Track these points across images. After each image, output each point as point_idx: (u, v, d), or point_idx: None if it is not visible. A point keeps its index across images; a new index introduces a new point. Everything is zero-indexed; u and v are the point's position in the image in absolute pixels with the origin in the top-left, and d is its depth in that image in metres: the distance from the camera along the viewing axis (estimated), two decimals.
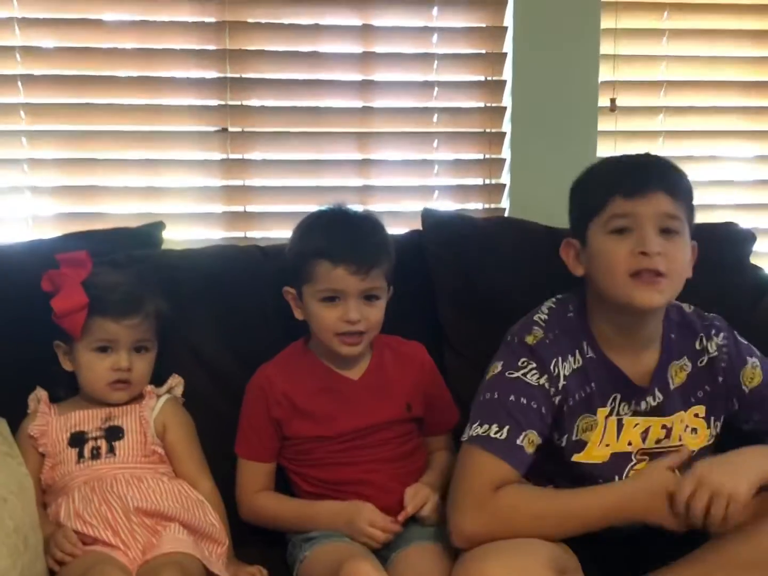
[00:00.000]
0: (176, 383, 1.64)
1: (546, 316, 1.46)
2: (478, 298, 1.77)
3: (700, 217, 2.00)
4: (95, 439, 1.52)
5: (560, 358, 1.41)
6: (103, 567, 1.31)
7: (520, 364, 1.41)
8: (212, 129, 2.10)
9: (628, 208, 1.37)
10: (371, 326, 1.57)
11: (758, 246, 2.00)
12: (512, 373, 1.40)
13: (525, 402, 1.38)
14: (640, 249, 1.35)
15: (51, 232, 1.92)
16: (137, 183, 2.08)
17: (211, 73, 2.08)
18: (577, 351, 1.43)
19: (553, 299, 1.50)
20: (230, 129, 2.10)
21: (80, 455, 1.51)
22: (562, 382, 1.41)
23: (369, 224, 1.61)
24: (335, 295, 1.54)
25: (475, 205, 2.20)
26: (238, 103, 2.09)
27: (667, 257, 1.35)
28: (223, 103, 2.08)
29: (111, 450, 1.52)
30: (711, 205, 2.31)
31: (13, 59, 1.99)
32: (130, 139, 2.07)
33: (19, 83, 2.00)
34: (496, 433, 1.36)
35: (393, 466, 1.59)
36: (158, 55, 2.05)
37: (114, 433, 1.53)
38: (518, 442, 1.36)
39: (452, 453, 1.62)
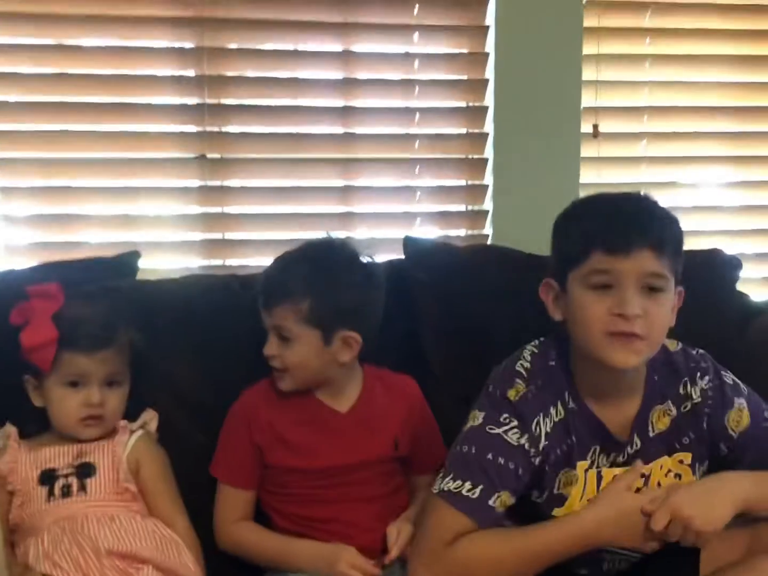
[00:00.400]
0: (150, 418, 1.59)
1: (528, 365, 1.39)
2: (461, 327, 1.74)
3: (688, 244, 2.01)
4: (66, 476, 1.47)
5: (542, 415, 1.35)
6: None
7: (501, 420, 1.34)
8: (190, 156, 2.07)
9: (609, 265, 1.28)
10: (287, 368, 1.54)
11: (744, 272, 1.98)
12: (493, 429, 1.34)
13: (503, 462, 1.32)
14: (618, 311, 1.27)
15: (24, 261, 1.88)
16: (113, 211, 2.04)
17: (190, 100, 2.05)
18: (559, 402, 1.37)
19: (535, 344, 1.43)
20: (209, 155, 2.07)
21: (50, 493, 1.45)
22: (543, 443, 1.35)
23: (288, 268, 1.57)
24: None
25: (457, 232, 2.18)
26: (217, 129, 2.07)
27: (647, 318, 1.28)
28: (201, 129, 2.05)
29: (82, 487, 1.46)
30: (695, 231, 2.29)
31: None
32: (106, 167, 2.03)
33: None
34: (468, 491, 1.31)
35: (375, 506, 1.55)
36: (135, 81, 2.02)
37: (85, 470, 1.48)
38: (490, 502, 1.31)
39: None
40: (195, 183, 2.07)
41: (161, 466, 1.55)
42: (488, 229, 2.15)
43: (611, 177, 2.24)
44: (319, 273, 1.52)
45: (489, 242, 2.12)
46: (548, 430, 1.35)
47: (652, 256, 1.28)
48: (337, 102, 2.12)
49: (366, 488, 1.55)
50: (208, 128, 2.05)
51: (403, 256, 1.85)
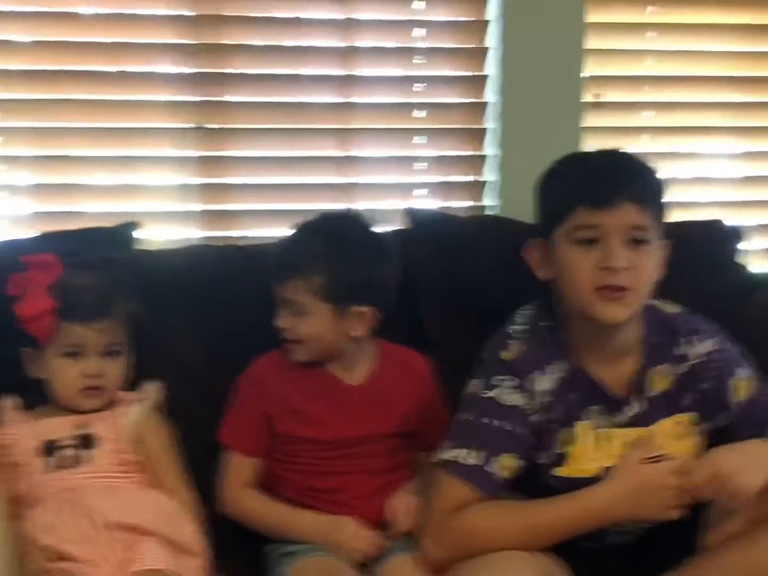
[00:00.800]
0: (152, 389, 1.58)
1: (521, 327, 1.41)
2: (461, 298, 1.73)
3: (686, 215, 2.00)
4: (67, 447, 1.46)
5: (537, 372, 1.37)
6: None
7: (494, 382, 1.36)
8: (189, 126, 2.04)
9: (593, 220, 1.30)
10: (301, 339, 1.52)
11: (746, 245, 1.97)
12: (486, 393, 1.36)
13: (497, 424, 1.33)
14: (604, 264, 1.29)
15: (23, 231, 1.87)
16: (112, 181, 2.02)
17: (188, 68, 2.02)
18: (555, 362, 1.38)
19: (527, 307, 1.45)
20: (207, 125, 2.04)
21: (52, 465, 1.45)
22: (539, 399, 1.36)
23: (302, 243, 1.55)
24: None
25: (459, 203, 2.16)
26: (215, 99, 2.04)
27: (633, 270, 1.29)
28: (199, 99, 2.03)
29: (84, 459, 1.46)
30: (696, 203, 2.28)
31: None
32: (105, 136, 2.00)
33: None
34: (465, 457, 1.32)
35: (379, 479, 1.55)
36: (133, 49, 1.99)
37: (87, 441, 1.47)
38: (486, 467, 1.32)
39: None
40: (193, 153, 2.05)
41: (165, 437, 1.54)
42: (490, 200, 2.14)
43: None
44: (333, 247, 1.49)
45: (491, 213, 2.10)
46: (544, 388, 1.36)
47: (635, 209, 1.30)
48: (338, 70, 2.09)
49: (372, 461, 1.55)
50: (207, 97, 2.03)
51: (402, 228, 1.83)
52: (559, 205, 1.34)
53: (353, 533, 1.44)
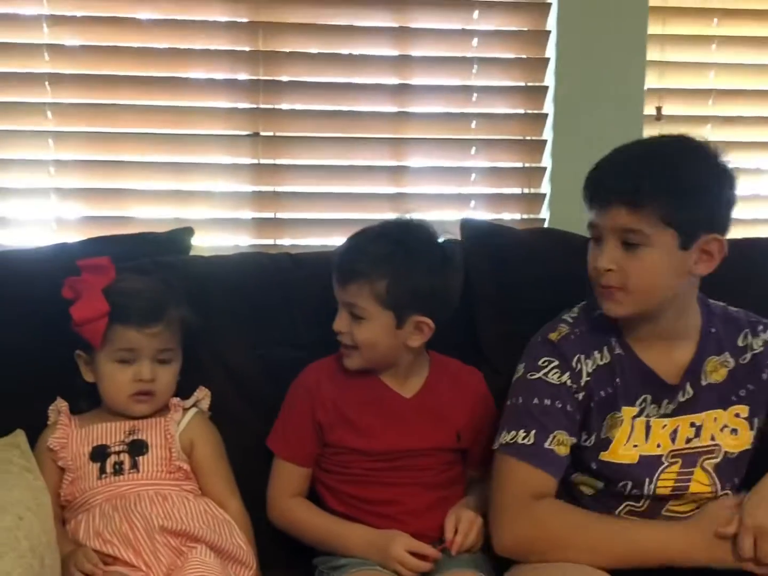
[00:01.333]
0: (203, 396, 1.57)
1: (575, 314, 1.45)
2: (520, 313, 1.67)
3: (746, 232, 1.93)
4: (118, 453, 1.45)
5: (583, 355, 1.39)
6: None
7: (540, 363, 1.39)
8: (243, 133, 2.04)
9: (594, 219, 1.35)
10: (356, 345, 1.49)
11: None
12: (533, 374, 1.39)
13: (549, 403, 1.36)
14: (593, 264, 1.36)
15: (75, 235, 1.86)
16: (165, 187, 2.02)
17: (244, 75, 2.02)
18: (605, 347, 1.40)
19: (582, 302, 1.48)
20: (262, 133, 2.03)
21: (102, 470, 1.44)
22: (585, 379, 1.38)
23: (368, 245, 1.50)
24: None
25: (512, 216, 2.12)
26: (271, 106, 2.03)
27: (621, 272, 1.32)
28: (255, 106, 2.02)
29: (134, 465, 1.45)
30: (756, 220, 2.22)
31: (41, 57, 1.94)
32: (159, 142, 2.01)
33: (47, 82, 1.95)
34: (523, 438, 1.35)
35: (431, 494, 1.51)
36: (189, 56, 1.99)
37: (137, 448, 1.46)
38: (546, 445, 1.34)
39: None
40: (247, 160, 2.04)
41: (215, 445, 1.52)
42: (545, 213, 2.10)
43: None
44: (398, 253, 1.46)
45: (545, 226, 2.07)
46: (590, 369, 1.38)
47: (626, 212, 1.30)
48: (392, 79, 2.07)
49: (424, 474, 1.51)
50: (262, 105, 2.02)
51: (458, 239, 1.79)
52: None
53: (403, 545, 1.40)
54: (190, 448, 1.50)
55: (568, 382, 1.37)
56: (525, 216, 2.12)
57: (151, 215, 2.01)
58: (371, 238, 1.51)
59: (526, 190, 2.13)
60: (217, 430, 1.55)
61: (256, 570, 1.43)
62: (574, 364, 1.38)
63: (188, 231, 1.79)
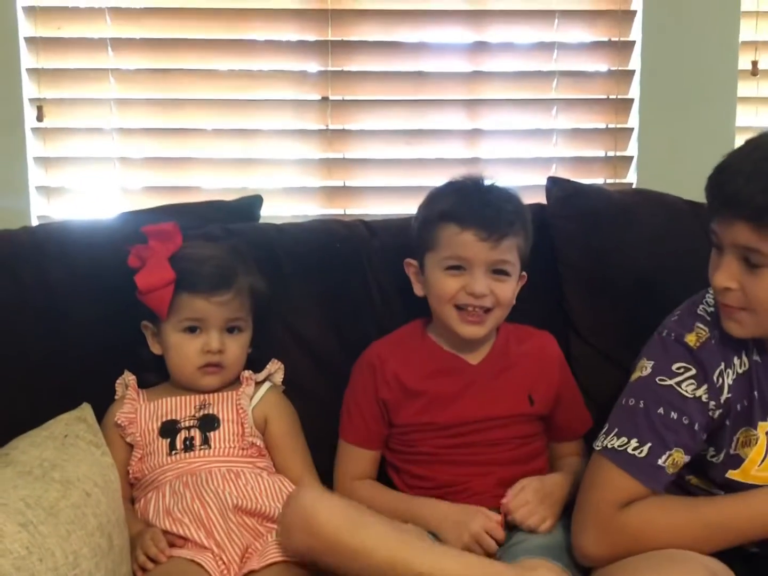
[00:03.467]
0: (276, 369, 1.49)
1: (712, 309, 1.24)
2: (610, 280, 1.57)
3: None
4: (188, 429, 1.38)
5: (724, 364, 1.20)
6: None
7: (675, 369, 1.20)
8: (311, 97, 1.95)
9: (715, 227, 1.18)
10: (499, 304, 1.39)
11: None
12: (664, 381, 1.20)
13: (675, 417, 1.19)
14: (712, 277, 1.18)
15: (140, 205, 1.79)
16: (230, 154, 1.95)
17: (311, 36, 1.93)
18: (743, 352, 1.22)
19: None
20: (331, 97, 1.94)
21: (172, 446, 1.37)
22: (725, 395, 1.20)
23: (505, 192, 1.46)
24: (460, 263, 1.38)
25: (596, 180, 2.00)
26: (339, 69, 1.94)
27: (743, 292, 1.14)
28: (323, 68, 1.93)
29: (205, 441, 1.37)
30: None
31: (103, 22, 1.88)
32: (224, 107, 1.94)
33: (109, 47, 1.89)
34: (635, 449, 1.19)
35: (507, 471, 1.40)
36: (255, 16, 1.91)
37: (209, 423, 1.39)
38: (659, 462, 1.18)
39: (585, 460, 1.42)
40: (316, 126, 1.96)
41: (291, 421, 1.45)
42: (632, 177, 1.97)
43: None
44: (524, 209, 1.46)
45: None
46: (730, 382, 1.21)
47: (750, 229, 1.11)
48: (467, 36, 1.96)
49: (499, 450, 1.41)
50: (331, 68, 1.93)
51: (541, 203, 1.68)
52: None
53: (484, 527, 1.31)
54: (264, 424, 1.43)
55: (704, 397, 1.20)
56: (610, 180, 2.00)
57: (216, 184, 1.94)
58: (500, 193, 1.45)
59: (611, 153, 2.01)
60: (293, 406, 1.47)
61: None
62: (715, 378, 1.20)
63: (257, 199, 1.71)
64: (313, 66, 1.94)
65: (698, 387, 1.19)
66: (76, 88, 1.90)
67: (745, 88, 1.97)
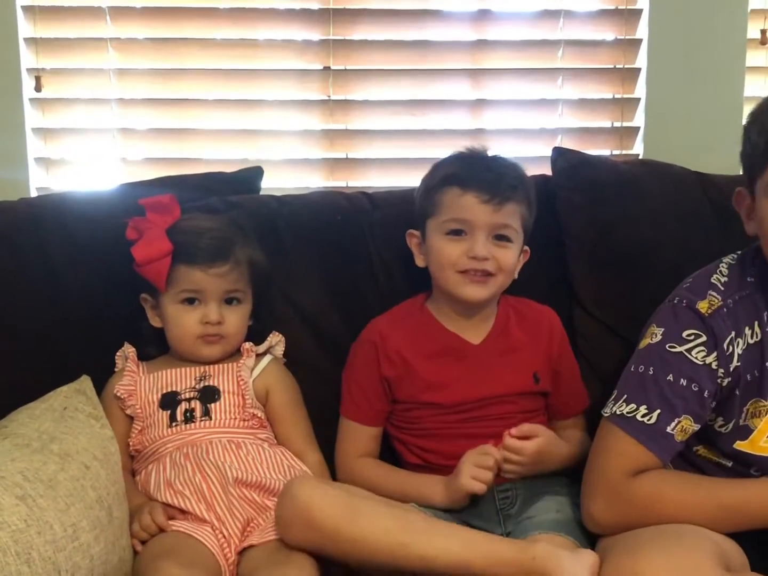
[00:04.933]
0: (277, 341, 1.48)
1: (726, 279, 1.23)
2: (615, 252, 1.54)
3: None
4: (189, 400, 1.37)
5: (735, 334, 1.19)
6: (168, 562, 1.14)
7: (685, 336, 1.19)
8: (313, 67, 1.92)
9: None
10: (501, 269, 1.38)
11: None
12: (674, 347, 1.19)
13: (684, 384, 1.18)
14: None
15: (140, 176, 1.77)
16: (230, 125, 1.92)
17: (314, 4, 1.89)
18: (755, 323, 1.20)
19: (732, 257, 1.27)
20: (333, 67, 1.91)
21: (172, 418, 1.36)
22: (734, 363, 1.19)
23: (509, 161, 1.44)
24: (462, 227, 1.37)
25: (602, 151, 1.97)
26: (341, 37, 1.90)
27: None
28: (325, 37, 1.90)
29: (206, 413, 1.36)
30: None
31: None
32: (224, 77, 1.90)
33: (107, 16, 1.85)
34: (644, 416, 1.18)
35: None
36: None
37: (209, 394, 1.38)
38: (668, 429, 1.18)
39: (586, 433, 1.44)
40: (317, 96, 1.92)
41: (293, 393, 1.44)
42: (639, 147, 1.94)
43: None
44: (529, 181, 1.45)
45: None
46: (740, 351, 1.19)
47: None
48: (471, 4, 1.93)
49: (505, 424, 1.38)
50: (333, 36, 1.89)
51: (546, 175, 1.66)
52: (756, 154, 1.17)
53: (475, 462, 1.30)
54: (266, 396, 1.42)
55: (713, 364, 1.18)
56: (616, 151, 1.97)
57: (217, 155, 1.91)
58: (503, 161, 1.44)
59: (617, 124, 1.97)
60: (294, 379, 1.46)
61: None
62: (725, 346, 1.18)
63: (257, 171, 1.69)
64: (314, 35, 1.90)
65: (708, 354, 1.18)
66: (75, 58, 1.87)
67: (754, 57, 1.93)
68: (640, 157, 1.92)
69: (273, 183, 1.80)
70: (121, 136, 1.90)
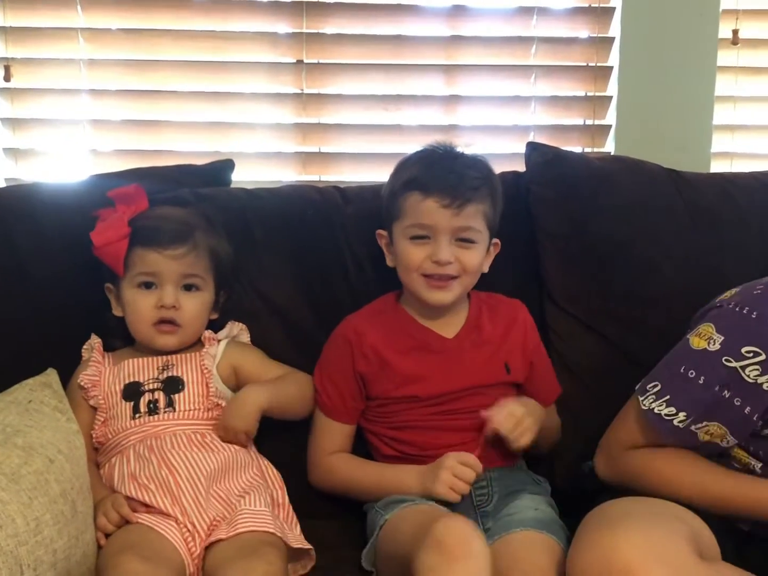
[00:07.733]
0: (239, 329, 1.47)
1: None
2: (588, 248, 1.54)
3: None
4: (152, 391, 1.36)
5: None
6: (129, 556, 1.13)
7: (744, 352, 1.17)
8: (286, 60, 1.91)
9: None
10: (465, 271, 1.38)
11: None
12: (730, 362, 1.17)
13: (727, 396, 1.17)
14: None
15: (110, 168, 1.75)
16: (203, 118, 1.90)
17: None
18: None
19: None
20: (306, 60, 1.90)
21: (135, 410, 1.34)
22: None
23: (472, 159, 1.42)
24: (425, 232, 1.36)
25: (574, 148, 1.97)
26: (315, 30, 1.89)
27: None
28: (298, 30, 1.89)
29: (170, 404, 1.35)
30: None
31: None
32: (196, 69, 1.89)
33: (78, 6, 1.84)
34: (681, 422, 1.20)
35: None
36: None
37: (173, 385, 1.36)
38: (693, 428, 1.20)
39: (557, 418, 1.49)
40: (290, 89, 1.92)
41: (260, 354, 1.46)
42: (610, 145, 1.95)
43: (751, 88, 2.00)
44: (493, 174, 1.44)
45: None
46: None
47: None
48: (445, 1, 1.92)
49: (478, 416, 1.38)
50: (306, 30, 1.88)
51: (519, 171, 1.66)
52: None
53: (455, 458, 1.31)
54: (234, 373, 1.41)
55: (765, 385, 1.16)
56: (588, 149, 1.97)
57: (188, 147, 1.90)
58: (466, 159, 1.42)
59: (589, 121, 1.98)
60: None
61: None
62: None
63: (229, 164, 1.68)
64: (288, 28, 1.89)
65: (762, 374, 1.16)
66: (45, 48, 1.85)
67: (725, 56, 1.94)
68: (612, 153, 1.93)
69: (245, 176, 1.79)
70: (92, 127, 1.88)
